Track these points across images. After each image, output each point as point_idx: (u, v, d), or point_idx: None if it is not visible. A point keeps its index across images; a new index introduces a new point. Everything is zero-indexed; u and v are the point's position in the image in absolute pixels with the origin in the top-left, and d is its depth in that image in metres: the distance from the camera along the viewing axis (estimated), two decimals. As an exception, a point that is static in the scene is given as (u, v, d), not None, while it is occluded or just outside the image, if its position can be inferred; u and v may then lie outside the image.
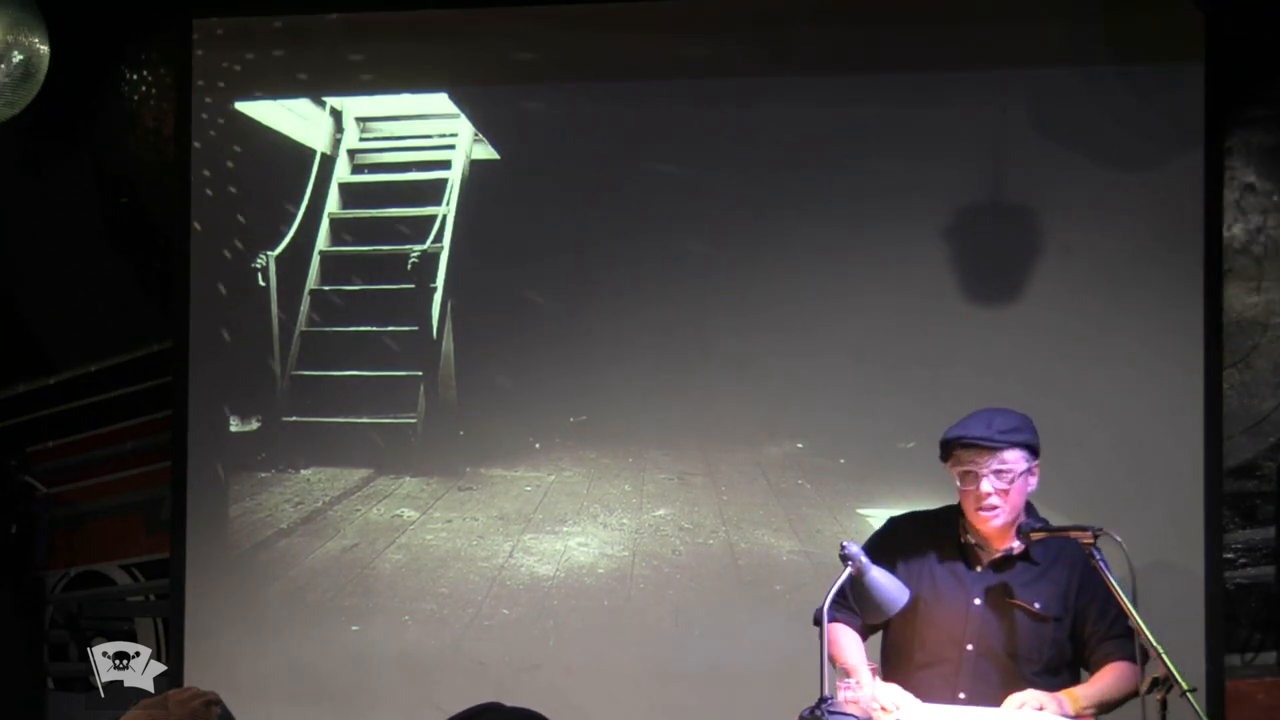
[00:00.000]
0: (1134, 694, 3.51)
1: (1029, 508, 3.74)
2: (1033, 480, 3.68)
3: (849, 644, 3.74)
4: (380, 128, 5.24)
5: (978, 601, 3.68)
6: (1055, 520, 3.76)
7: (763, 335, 4.88)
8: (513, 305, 5.05)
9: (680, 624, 4.91)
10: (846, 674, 3.58)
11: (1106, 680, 3.60)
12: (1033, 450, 3.67)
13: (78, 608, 5.47)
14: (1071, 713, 3.49)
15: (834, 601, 3.72)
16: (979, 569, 3.71)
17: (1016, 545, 3.68)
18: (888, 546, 3.78)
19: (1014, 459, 3.62)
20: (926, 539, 3.78)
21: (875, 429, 4.77)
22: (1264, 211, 4.73)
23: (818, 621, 3.67)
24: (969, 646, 3.66)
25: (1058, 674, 3.65)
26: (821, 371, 4.83)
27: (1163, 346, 4.66)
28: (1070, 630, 3.68)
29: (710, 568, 4.91)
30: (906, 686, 3.60)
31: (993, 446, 3.60)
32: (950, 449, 3.67)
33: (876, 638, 3.85)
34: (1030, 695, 3.47)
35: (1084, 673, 3.69)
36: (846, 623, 3.77)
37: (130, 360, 5.38)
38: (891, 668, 3.73)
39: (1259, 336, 4.73)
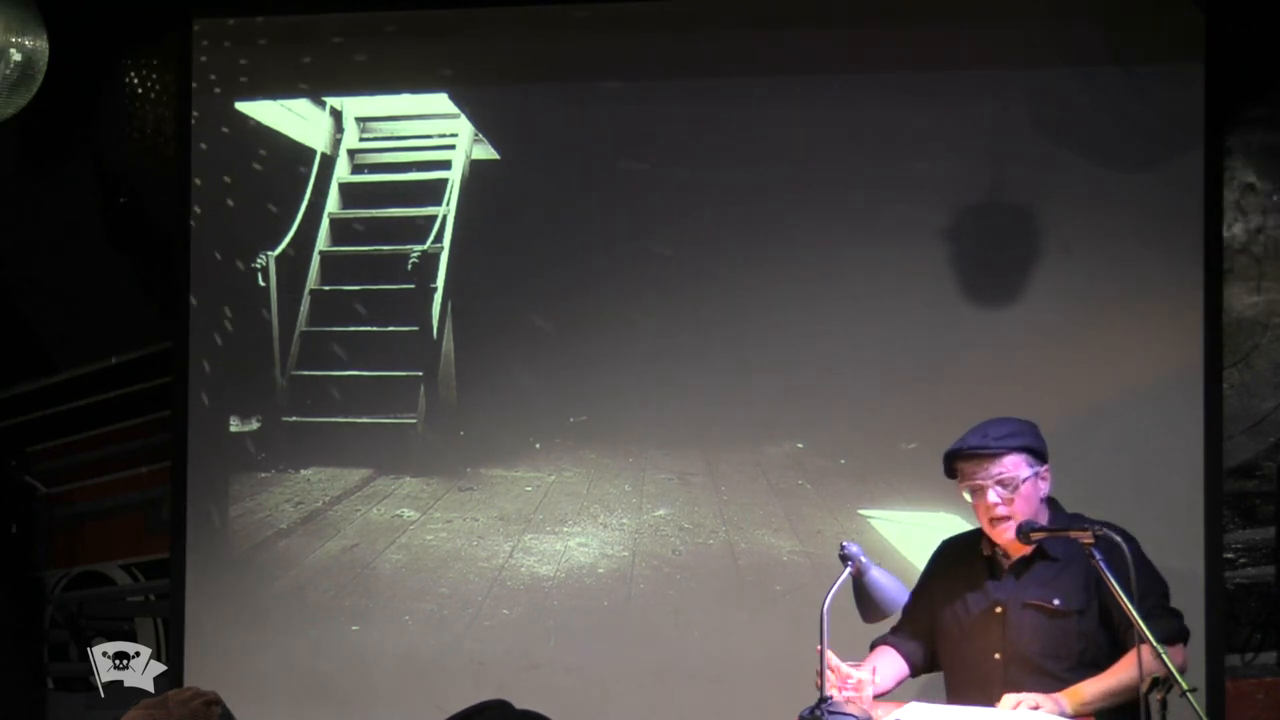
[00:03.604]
0: (1149, 676, 3.43)
1: (1054, 504, 3.74)
2: (1043, 485, 3.69)
3: (882, 662, 3.77)
4: (380, 128, 5.24)
5: (999, 610, 3.69)
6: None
7: (763, 335, 4.88)
8: (513, 305, 5.05)
9: (680, 624, 4.90)
10: (849, 674, 3.58)
11: (1120, 671, 3.56)
12: (1036, 454, 3.68)
13: (78, 608, 5.47)
14: (1070, 712, 3.48)
15: (894, 628, 3.78)
16: (1001, 578, 3.72)
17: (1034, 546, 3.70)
18: (930, 573, 3.86)
19: (1014, 464, 3.63)
20: (960, 561, 3.84)
21: (876, 429, 4.77)
22: (1264, 211, 4.73)
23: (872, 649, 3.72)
24: (997, 655, 3.68)
25: (1097, 667, 3.62)
26: (821, 371, 4.83)
27: (1163, 346, 4.66)
28: (1100, 619, 3.67)
29: (710, 568, 4.91)
30: (958, 704, 3.61)
31: (990, 453, 3.61)
32: (953, 463, 3.69)
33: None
34: (1026, 695, 3.47)
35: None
36: (895, 646, 3.83)
37: (130, 360, 5.38)
38: (949, 689, 3.78)
39: (1259, 336, 4.73)
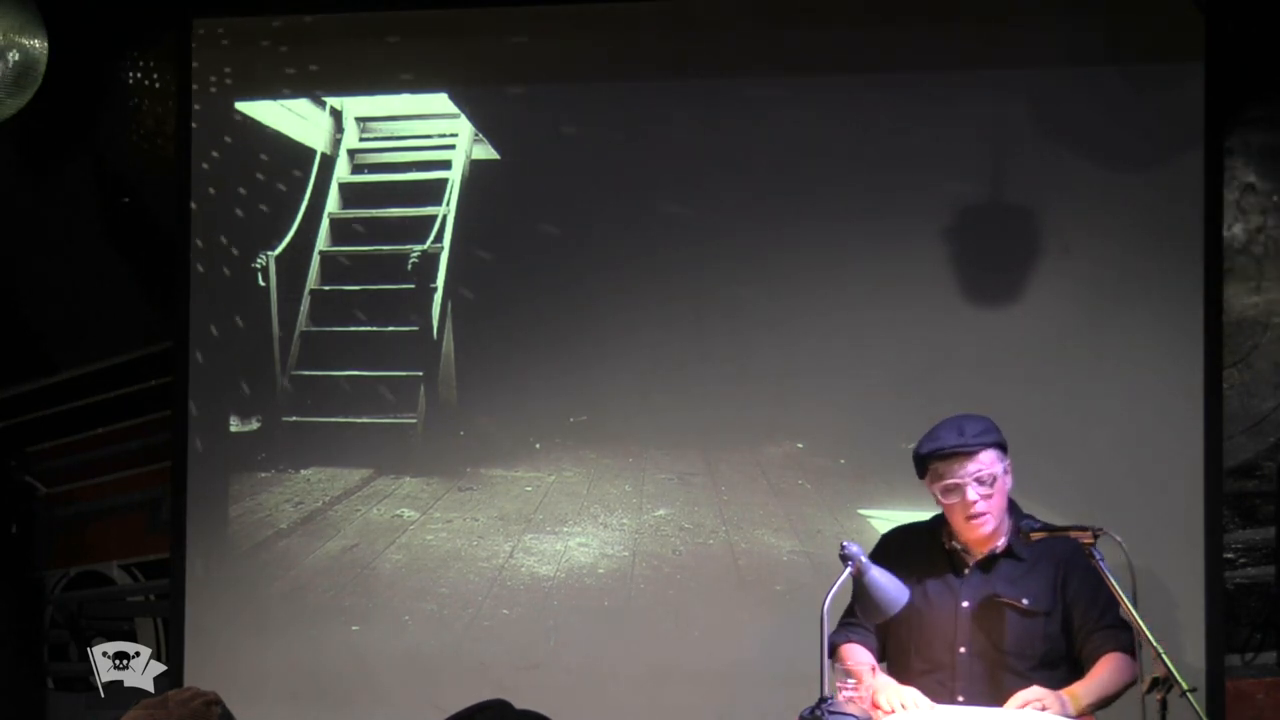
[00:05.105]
0: (1131, 684, 3.53)
1: (1012, 504, 3.75)
2: (1009, 480, 3.70)
3: (860, 659, 3.75)
4: (380, 128, 5.24)
5: (966, 604, 3.71)
6: (1048, 519, 3.77)
7: (763, 335, 4.88)
8: (513, 305, 5.05)
9: (680, 624, 4.90)
10: (848, 674, 3.59)
11: (1103, 675, 3.60)
12: (1004, 449, 3.69)
13: (78, 608, 5.47)
14: (1073, 712, 3.49)
15: (846, 623, 3.77)
16: (966, 572, 3.73)
17: (1000, 544, 3.70)
18: (880, 561, 3.79)
19: (990, 460, 3.65)
20: (915, 550, 3.82)
21: (875, 429, 4.77)
22: (1264, 211, 4.73)
23: (833, 651, 3.71)
24: (962, 649, 3.69)
25: (1055, 668, 3.66)
26: (821, 371, 4.83)
27: (1163, 346, 4.66)
28: (1063, 623, 3.69)
29: (710, 568, 4.91)
30: None
31: (969, 451, 3.62)
32: (927, 463, 3.69)
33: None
34: (1034, 692, 3.48)
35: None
36: (861, 642, 3.80)
37: (130, 360, 5.38)
38: (894, 677, 3.75)
39: (1259, 336, 4.73)
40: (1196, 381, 4.63)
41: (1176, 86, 4.67)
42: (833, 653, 3.77)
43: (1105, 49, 4.72)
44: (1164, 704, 3.31)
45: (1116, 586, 3.44)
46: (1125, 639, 3.57)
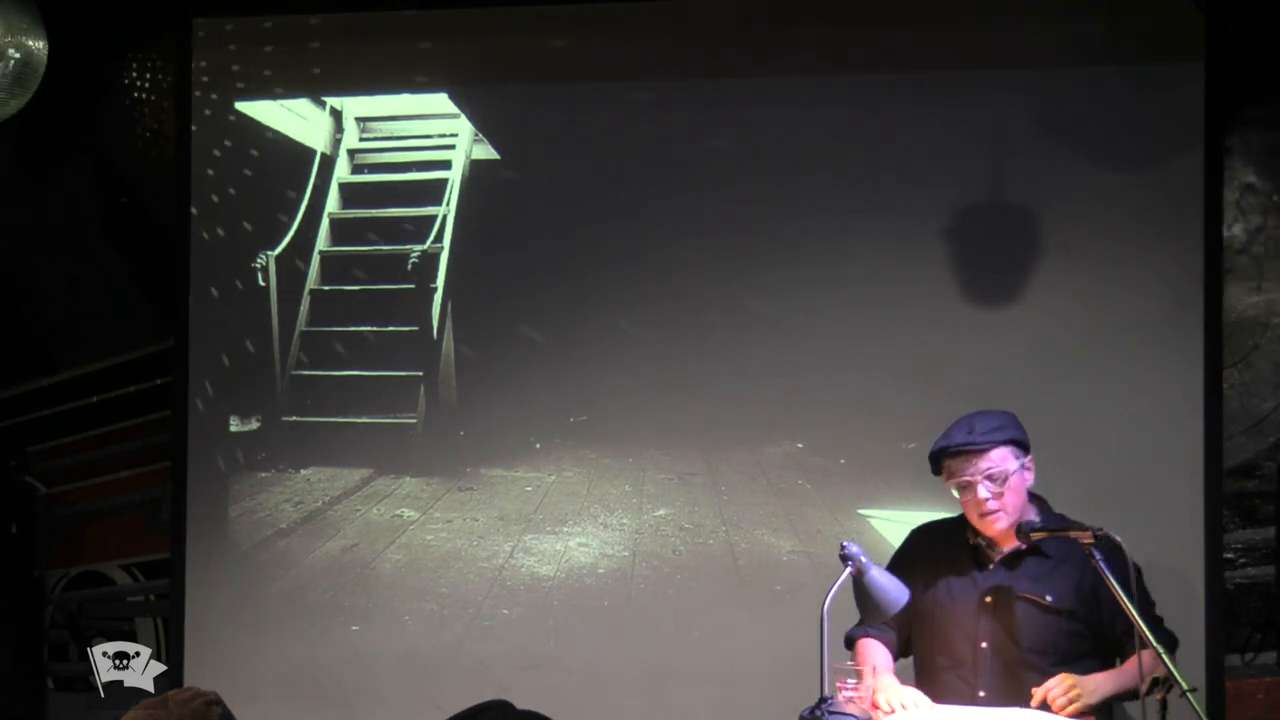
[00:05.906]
0: (1149, 676, 3.49)
1: (1042, 503, 3.76)
2: (1028, 476, 3.71)
3: (876, 657, 3.76)
4: (380, 128, 5.24)
5: (988, 600, 3.70)
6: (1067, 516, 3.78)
7: (763, 335, 4.88)
8: (513, 305, 5.05)
9: (680, 624, 4.90)
10: (849, 674, 3.58)
11: (1125, 671, 3.59)
12: (1020, 446, 3.69)
13: (78, 608, 5.47)
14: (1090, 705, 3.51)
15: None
16: (990, 568, 3.73)
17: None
18: (908, 556, 3.84)
19: (1001, 458, 3.65)
20: (940, 546, 3.83)
21: (875, 429, 4.77)
22: (1264, 211, 4.73)
23: (850, 644, 3.72)
24: (984, 645, 3.69)
25: (1076, 665, 3.65)
26: (821, 371, 4.83)
27: (1163, 346, 4.66)
28: (1089, 624, 3.69)
29: (710, 568, 4.91)
30: (932, 690, 3.64)
31: (978, 449, 3.62)
32: (939, 461, 3.70)
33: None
34: (1066, 681, 3.48)
35: (1117, 660, 3.70)
36: (879, 638, 3.81)
37: (130, 360, 5.38)
38: (920, 674, 3.77)
39: (1259, 336, 4.73)
40: (1196, 381, 4.63)
41: (1176, 86, 4.67)
42: (850, 645, 3.82)
43: (1105, 49, 4.72)
44: (1164, 704, 3.31)
45: (1117, 587, 3.44)
46: (1163, 635, 3.55)
